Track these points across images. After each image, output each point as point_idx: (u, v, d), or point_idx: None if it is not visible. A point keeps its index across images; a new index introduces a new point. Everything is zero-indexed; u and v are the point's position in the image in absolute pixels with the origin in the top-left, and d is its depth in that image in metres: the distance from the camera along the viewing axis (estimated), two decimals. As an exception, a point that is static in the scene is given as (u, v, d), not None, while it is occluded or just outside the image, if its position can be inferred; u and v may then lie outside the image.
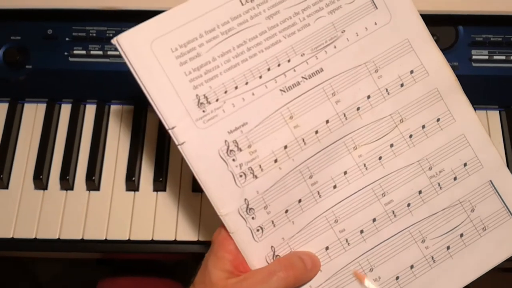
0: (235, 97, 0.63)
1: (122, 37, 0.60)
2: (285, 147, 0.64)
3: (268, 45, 0.64)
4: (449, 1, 0.85)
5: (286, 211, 0.64)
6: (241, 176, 0.63)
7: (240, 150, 0.63)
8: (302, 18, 0.65)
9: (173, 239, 0.86)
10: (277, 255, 0.64)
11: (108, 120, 0.93)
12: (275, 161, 0.63)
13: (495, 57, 0.90)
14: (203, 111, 0.62)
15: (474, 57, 0.89)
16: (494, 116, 0.92)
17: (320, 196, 0.65)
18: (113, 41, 0.60)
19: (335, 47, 0.66)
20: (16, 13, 0.90)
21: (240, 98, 0.63)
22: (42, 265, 1.36)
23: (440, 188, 0.67)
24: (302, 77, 0.65)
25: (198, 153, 0.62)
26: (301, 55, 0.65)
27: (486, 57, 0.90)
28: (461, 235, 0.67)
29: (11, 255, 0.92)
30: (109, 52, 0.91)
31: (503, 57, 0.89)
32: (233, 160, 0.62)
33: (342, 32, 0.66)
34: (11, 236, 0.86)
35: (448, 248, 0.67)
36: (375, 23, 0.67)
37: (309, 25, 0.65)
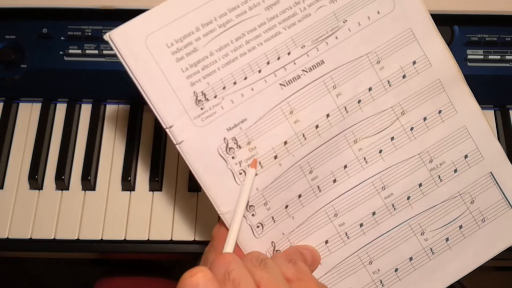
0: (233, 93, 0.62)
1: (115, 33, 0.59)
2: (285, 142, 0.63)
3: (268, 37, 0.62)
4: (445, 1, 0.85)
5: (286, 207, 0.64)
6: (240, 173, 0.62)
7: (240, 147, 0.62)
8: (302, 7, 0.63)
9: (169, 239, 0.85)
10: (277, 250, 0.64)
11: (103, 120, 0.93)
12: (275, 157, 0.63)
13: (490, 57, 0.90)
14: (201, 109, 0.61)
15: (469, 56, 0.90)
16: (489, 115, 0.92)
17: (320, 191, 0.65)
18: (106, 37, 0.59)
19: (336, 38, 0.64)
20: (11, 12, 0.89)
21: (239, 94, 0.62)
22: (38, 265, 1.35)
23: (441, 180, 0.67)
24: (303, 70, 0.63)
25: (196, 152, 0.61)
26: (302, 47, 0.63)
27: (482, 57, 0.90)
28: (460, 226, 0.68)
29: (6, 256, 0.91)
30: (104, 52, 0.90)
31: (498, 57, 0.90)
32: (233, 157, 0.62)
33: (344, 22, 0.64)
34: (6, 237, 0.85)
35: (447, 240, 0.67)
36: (378, 12, 0.65)
37: (310, 15, 0.63)
